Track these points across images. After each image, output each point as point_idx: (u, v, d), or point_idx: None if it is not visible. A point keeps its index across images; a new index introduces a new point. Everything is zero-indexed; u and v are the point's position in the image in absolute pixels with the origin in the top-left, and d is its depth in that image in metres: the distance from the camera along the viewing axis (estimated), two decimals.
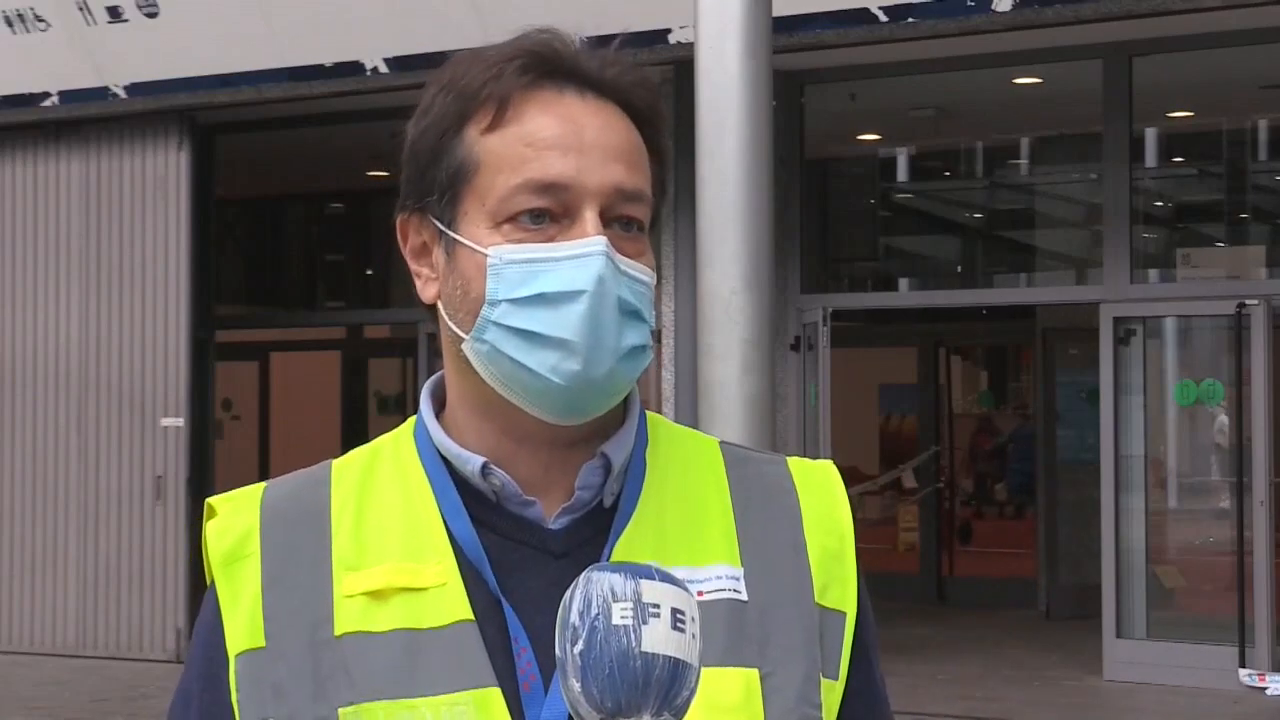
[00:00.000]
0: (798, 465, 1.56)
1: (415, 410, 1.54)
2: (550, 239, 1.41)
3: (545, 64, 1.46)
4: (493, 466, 1.44)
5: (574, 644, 1.27)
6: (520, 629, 1.40)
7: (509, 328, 1.40)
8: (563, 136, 1.42)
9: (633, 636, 1.26)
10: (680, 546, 1.45)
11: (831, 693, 1.47)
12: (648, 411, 1.53)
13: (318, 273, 17.57)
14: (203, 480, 12.50)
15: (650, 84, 1.50)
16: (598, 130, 1.44)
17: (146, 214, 12.57)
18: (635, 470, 1.48)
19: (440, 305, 1.47)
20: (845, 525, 1.53)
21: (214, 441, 13.41)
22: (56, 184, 12.92)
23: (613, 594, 1.28)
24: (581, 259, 1.39)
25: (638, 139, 1.47)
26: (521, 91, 1.44)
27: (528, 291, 1.40)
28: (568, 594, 1.30)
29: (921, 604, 14.65)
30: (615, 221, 1.43)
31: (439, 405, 1.52)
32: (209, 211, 13.13)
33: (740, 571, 1.46)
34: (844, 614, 1.50)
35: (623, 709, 1.26)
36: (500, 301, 1.40)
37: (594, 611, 1.27)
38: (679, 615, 1.28)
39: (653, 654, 1.26)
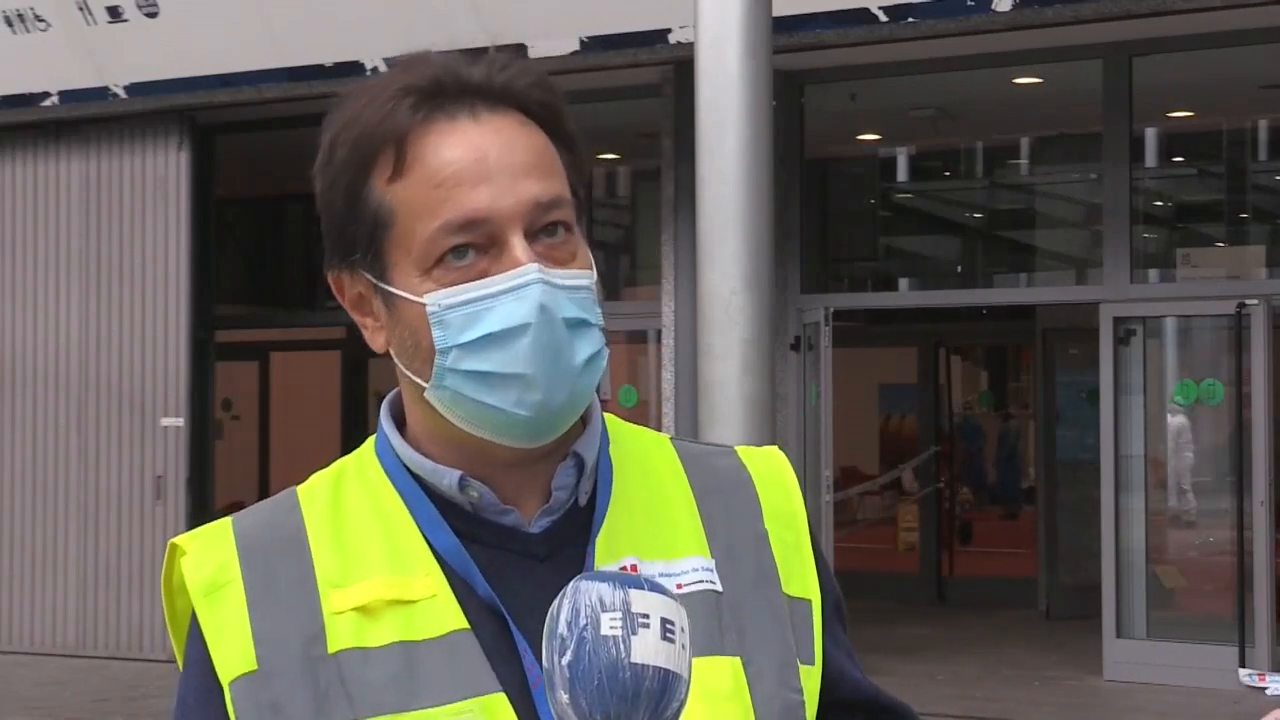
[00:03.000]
0: (748, 455, 1.57)
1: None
2: (483, 273, 1.40)
3: (433, 94, 1.43)
4: (470, 479, 1.43)
5: (562, 655, 1.26)
6: (519, 632, 1.40)
7: (465, 372, 1.40)
8: (468, 168, 1.40)
9: (622, 647, 1.26)
10: (656, 540, 1.46)
11: (810, 678, 1.48)
12: (602, 412, 1.54)
13: (318, 273, 17.48)
14: (203, 480, 12.50)
15: (543, 79, 1.48)
16: (500, 151, 1.41)
17: (146, 214, 12.57)
18: (604, 468, 1.48)
19: (393, 354, 1.46)
20: (800, 516, 1.54)
21: (214, 441, 13.40)
22: (56, 184, 12.92)
23: (601, 604, 1.27)
24: (518, 290, 1.39)
25: (542, 141, 1.45)
26: (416, 130, 1.41)
27: (474, 334, 1.39)
28: (555, 604, 1.29)
29: (921, 604, 14.65)
30: (542, 231, 1.42)
31: (399, 421, 1.51)
32: (209, 211, 13.14)
33: (712, 562, 1.47)
34: (809, 601, 1.51)
35: None
36: (450, 349, 1.40)
37: (582, 621, 1.26)
38: (668, 625, 1.28)
39: (642, 665, 1.25)
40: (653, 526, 1.47)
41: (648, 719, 1.26)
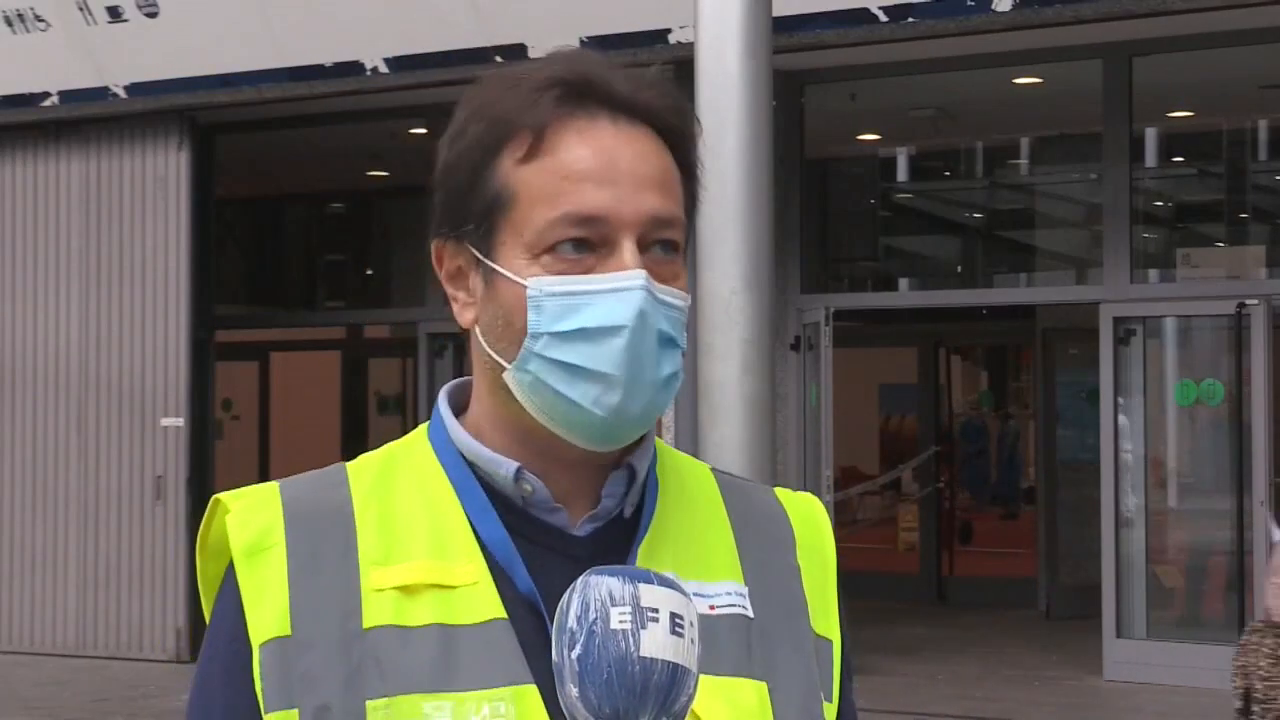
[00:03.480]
0: (785, 495, 1.60)
1: (417, 411, 1.55)
2: (589, 269, 1.42)
3: (579, 92, 1.46)
4: (526, 472, 1.45)
5: (571, 648, 1.27)
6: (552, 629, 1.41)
7: (552, 360, 1.41)
8: (597, 168, 1.43)
9: (631, 641, 1.26)
10: (694, 560, 1.47)
11: (829, 713, 1.50)
12: None
13: (318, 273, 17.57)
14: (203, 480, 12.50)
15: (683, 105, 1.51)
16: (631, 159, 1.44)
17: (146, 214, 12.57)
18: (650, 484, 1.50)
19: (478, 331, 1.48)
20: (831, 558, 1.57)
21: (214, 441, 13.41)
22: (56, 184, 12.92)
23: (611, 598, 1.28)
24: (621, 293, 1.41)
25: (670, 161, 1.48)
26: (556, 121, 1.45)
27: (569, 326, 1.41)
28: (565, 598, 1.30)
29: (921, 604, 14.65)
30: (654, 245, 1.44)
31: (455, 412, 1.52)
32: (209, 211, 13.14)
33: (745, 589, 1.48)
34: (831, 641, 1.53)
35: (621, 714, 1.26)
36: (542, 334, 1.42)
37: (592, 616, 1.27)
38: (677, 620, 1.29)
39: (651, 659, 1.26)
40: (692, 546, 1.49)
41: (656, 713, 1.27)
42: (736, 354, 5.12)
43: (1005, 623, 13.52)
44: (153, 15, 11.72)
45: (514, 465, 1.45)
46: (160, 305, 12.46)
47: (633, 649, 1.26)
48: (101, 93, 12.21)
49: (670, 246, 1.46)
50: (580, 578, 1.30)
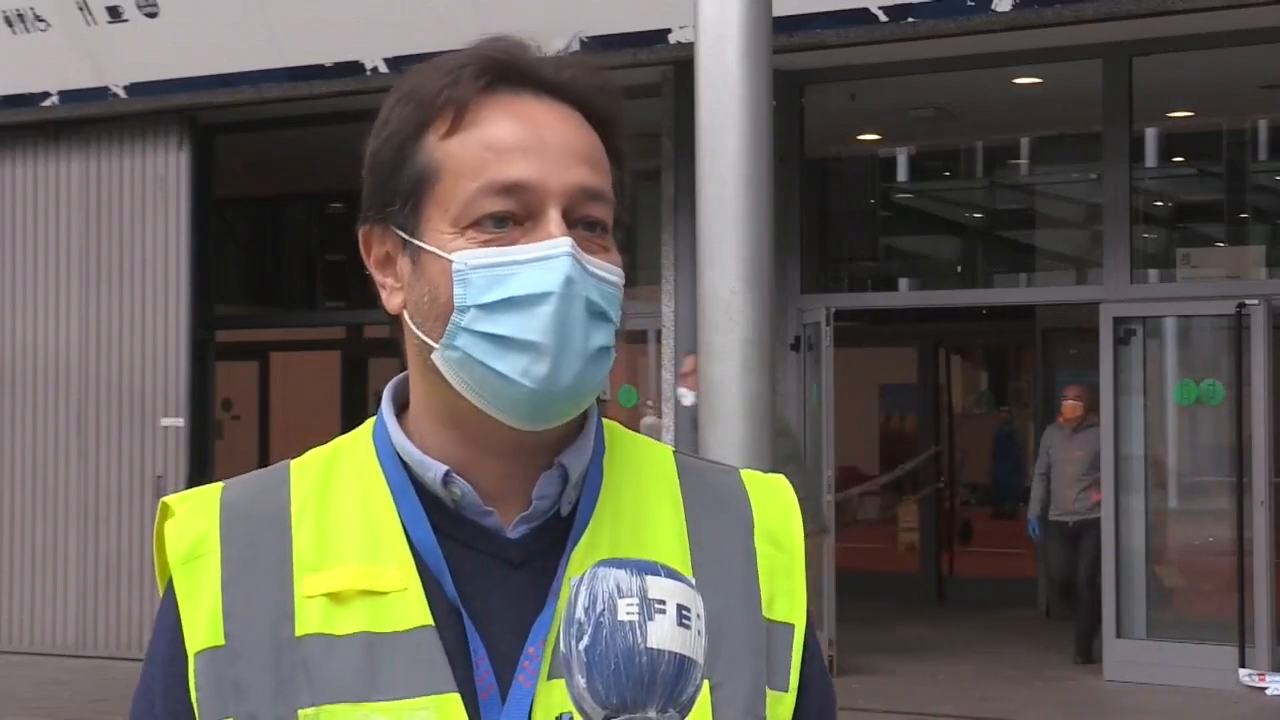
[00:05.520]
0: (750, 477, 1.56)
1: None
2: (514, 242, 1.40)
3: (501, 69, 1.45)
4: (454, 475, 1.43)
5: (579, 640, 1.27)
6: (477, 638, 1.40)
7: (480, 333, 1.39)
8: (523, 138, 1.42)
9: (639, 632, 1.26)
10: (634, 556, 1.43)
11: (780, 704, 1.47)
12: (605, 420, 1.53)
13: (318, 273, 17.56)
14: (203, 480, 12.41)
15: (609, 87, 1.49)
16: (557, 131, 1.43)
17: (146, 214, 12.57)
18: (592, 479, 1.47)
19: (406, 315, 1.46)
20: (796, 538, 1.53)
21: (214, 441, 13.41)
22: (56, 184, 12.92)
23: (618, 590, 1.27)
24: (548, 260, 1.39)
25: (596, 140, 1.46)
26: (479, 96, 1.44)
27: (496, 296, 1.39)
28: (573, 590, 1.30)
29: (921, 604, 14.65)
30: (580, 223, 1.42)
31: (400, 408, 1.51)
32: (209, 211, 13.14)
33: (691, 582, 1.45)
34: (792, 626, 1.49)
35: (628, 705, 1.26)
36: (469, 308, 1.39)
37: (599, 607, 1.27)
38: (684, 611, 1.28)
39: (659, 650, 1.26)
40: (635, 542, 1.46)
41: (663, 704, 1.26)
42: (736, 354, 5.11)
43: (1005, 623, 13.52)
44: (153, 15, 11.72)
45: (442, 469, 1.43)
46: (160, 305, 12.46)
47: (640, 640, 1.26)
48: (101, 93, 12.21)
49: (597, 225, 1.43)
50: (588, 570, 1.30)
